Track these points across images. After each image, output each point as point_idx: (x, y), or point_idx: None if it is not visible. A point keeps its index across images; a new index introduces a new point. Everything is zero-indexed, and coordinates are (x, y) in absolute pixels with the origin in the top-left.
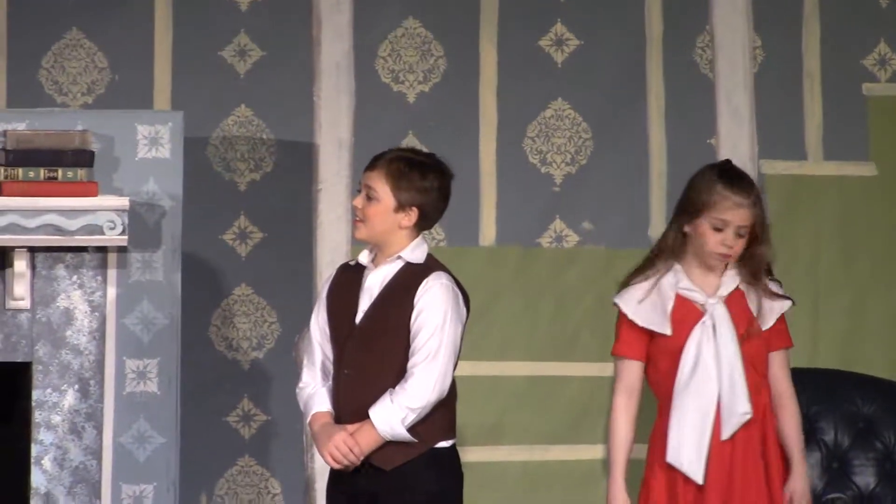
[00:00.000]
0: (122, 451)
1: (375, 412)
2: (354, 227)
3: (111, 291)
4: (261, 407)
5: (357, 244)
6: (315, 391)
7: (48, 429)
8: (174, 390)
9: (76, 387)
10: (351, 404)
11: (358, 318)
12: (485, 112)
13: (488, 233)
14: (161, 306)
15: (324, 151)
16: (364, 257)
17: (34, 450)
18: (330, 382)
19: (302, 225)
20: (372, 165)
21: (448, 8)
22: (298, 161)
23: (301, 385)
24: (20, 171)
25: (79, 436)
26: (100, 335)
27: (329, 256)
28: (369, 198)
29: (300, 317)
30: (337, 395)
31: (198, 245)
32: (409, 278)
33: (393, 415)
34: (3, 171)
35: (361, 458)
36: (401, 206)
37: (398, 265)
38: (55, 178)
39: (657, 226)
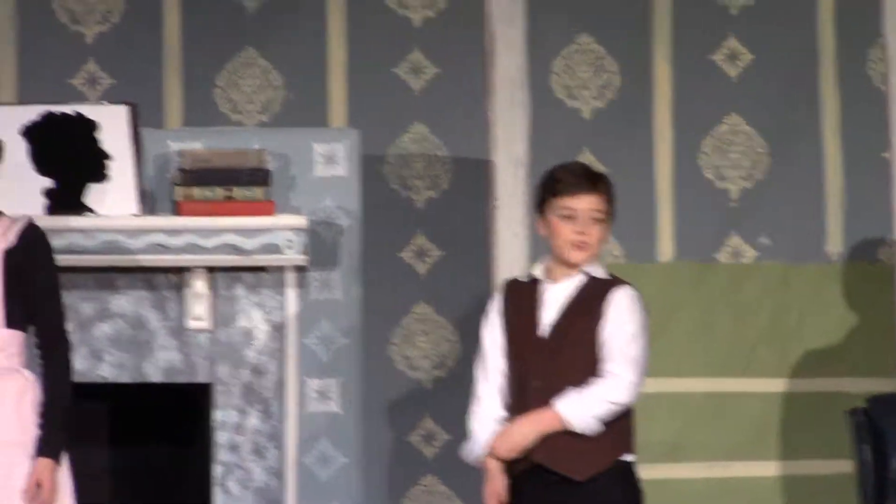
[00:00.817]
0: (305, 472)
1: (562, 401)
2: (575, 251)
3: (291, 310)
4: (443, 426)
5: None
6: (488, 430)
7: (230, 450)
8: (356, 410)
9: (258, 407)
10: None
11: (542, 331)
12: (659, 128)
13: (665, 248)
14: (341, 325)
15: (500, 168)
16: (539, 271)
17: (217, 471)
18: (506, 403)
19: (479, 242)
20: (593, 188)
21: (621, 24)
22: (475, 178)
23: (477, 409)
24: (197, 190)
25: (261, 456)
26: (280, 355)
27: (507, 274)
28: (596, 220)
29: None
30: (526, 408)
31: (376, 263)
32: (597, 290)
33: (586, 404)
34: (180, 190)
35: (530, 435)
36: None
37: (582, 279)
38: (232, 198)
39: (834, 240)
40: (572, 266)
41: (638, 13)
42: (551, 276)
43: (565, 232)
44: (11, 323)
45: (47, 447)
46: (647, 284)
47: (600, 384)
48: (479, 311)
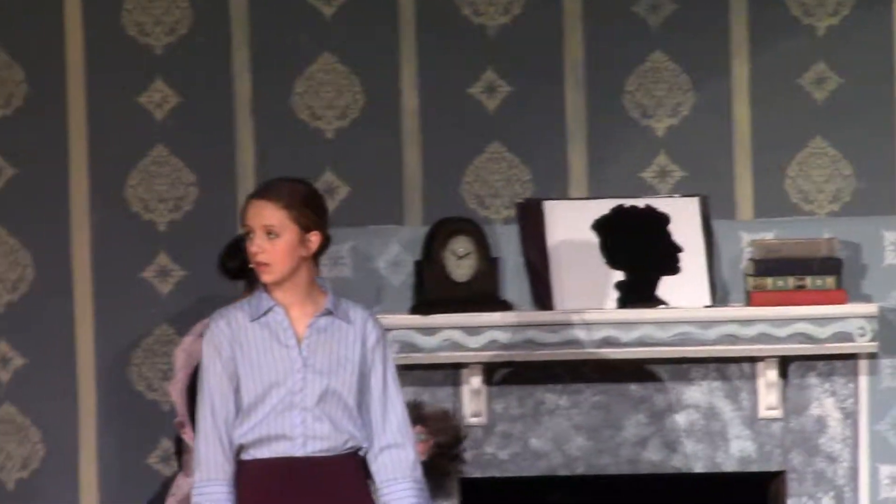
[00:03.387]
0: None
1: None
2: None
3: (863, 398)
4: None
5: None
6: None
7: None
8: None
9: (830, 494)
10: None
11: None
12: None
13: None
14: None
15: None
16: None
17: None
18: None
19: None
20: None
21: None
22: None
23: None
24: (769, 280)
25: None
26: (852, 442)
27: None
28: None
29: None
30: None
31: None
32: None
33: None
34: (751, 280)
35: None
36: None
37: None
38: (803, 287)
39: None
40: None
41: None
42: None
43: None
44: None
45: None
46: None
47: None
48: None
